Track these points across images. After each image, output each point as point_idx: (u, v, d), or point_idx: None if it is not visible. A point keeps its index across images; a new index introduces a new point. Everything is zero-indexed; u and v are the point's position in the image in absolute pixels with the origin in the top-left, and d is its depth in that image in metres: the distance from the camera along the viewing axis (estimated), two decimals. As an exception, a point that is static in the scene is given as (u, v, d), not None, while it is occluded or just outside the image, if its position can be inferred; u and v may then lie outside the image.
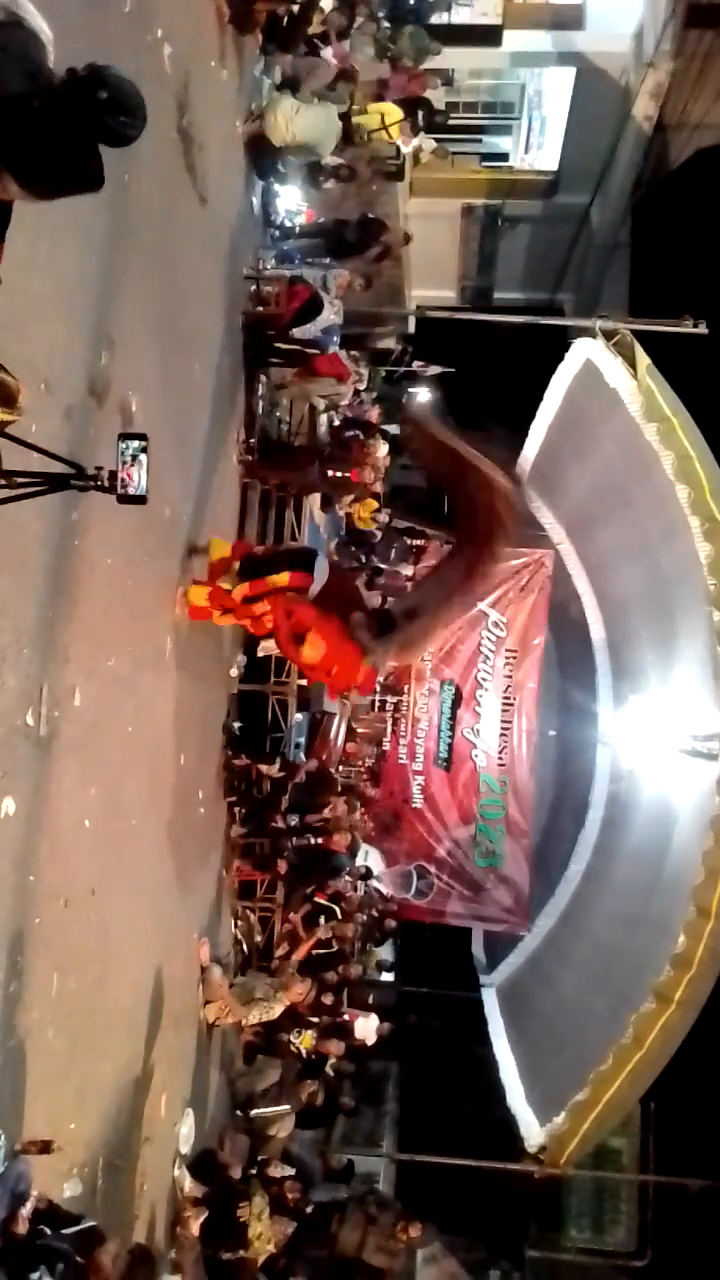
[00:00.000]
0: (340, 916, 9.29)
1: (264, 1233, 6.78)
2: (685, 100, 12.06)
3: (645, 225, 13.46)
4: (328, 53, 9.59)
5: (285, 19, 8.27)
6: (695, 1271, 11.82)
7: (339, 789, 9.96)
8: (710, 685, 9.11)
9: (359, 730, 12.14)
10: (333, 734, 10.52)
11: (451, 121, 12.30)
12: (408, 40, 10.69)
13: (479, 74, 13.66)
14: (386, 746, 12.90)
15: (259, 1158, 7.73)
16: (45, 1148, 4.28)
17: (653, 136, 12.48)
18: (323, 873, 9.14)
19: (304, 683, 9.51)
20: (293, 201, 9.39)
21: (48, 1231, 4.03)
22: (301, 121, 8.52)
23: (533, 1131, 9.54)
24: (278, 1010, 7.73)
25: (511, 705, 12.53)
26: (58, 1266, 3.89)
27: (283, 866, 8.52)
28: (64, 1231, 4.10)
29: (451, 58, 11.79)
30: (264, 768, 8.43)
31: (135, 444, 3.39)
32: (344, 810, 9.68)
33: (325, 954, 9.25)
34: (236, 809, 8.34)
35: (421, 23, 11.14)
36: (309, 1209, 7.86)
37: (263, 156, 8.59)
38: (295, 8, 8.22)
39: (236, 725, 8.51)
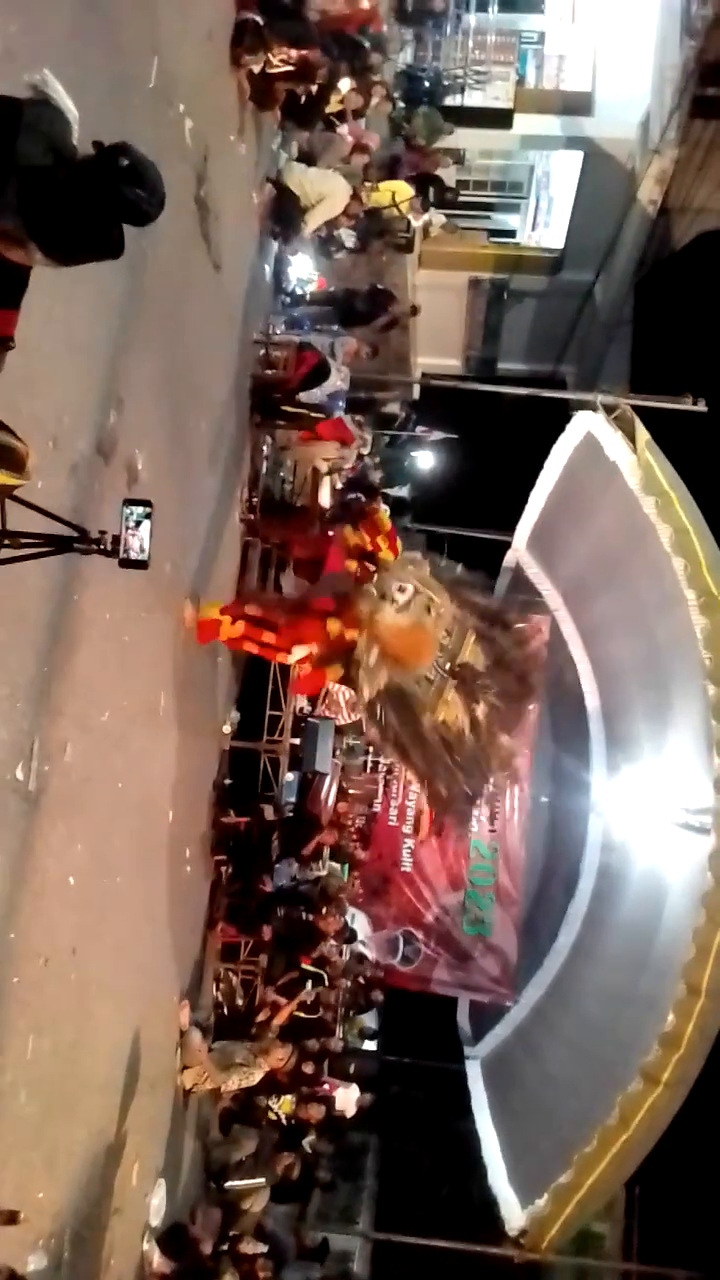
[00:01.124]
0: (326, 983, 9.15)
1: (233, 1312, 6.57)
2: (689, 185, 12.43)
3: (648, 304, 13.77)
4: (344, 130, 9.90)
5: (304, 97, 8.55)
6: None
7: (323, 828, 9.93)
8: (704, 759, 9.09)
9: (350, 791, 12.06)
10: (324, 793, 10.44)
11: (462, 198, 12.70)
12: (421, 120, 11.07)
13: (489, 154, 14.08)
14: (377, 809, 12.81)
15: (231, 1232, 7.50)
16: (11, 1218, 4.17)
17: (656, 219, 12.83)
18: (309, 944, 9.04)
19: (296, 741, 9.49)
20: (304, 270, 9.62)
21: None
22: (314, 180, 8.97)
23: (514, 1213, 9.27)
24: (257, 1076, 7.58)
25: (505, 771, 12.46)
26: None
27: (268, 933, 8.41)
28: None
29: (463, 138, 12.19)
30: (263, 807, 8.48)
31: (139, 510, 3.42)
32: (332, 842, 9.73)
33: (307, 1020, 9.09)
34: (224, 868, 8.25)
35: (435, 104, 11.53)
36: (281, 1289, 7.62)
37: (282, 212, 8.81)
38: (314, 88, 8.50)
39: (227, 782, 8.46)
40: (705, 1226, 11.06)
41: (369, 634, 6.32)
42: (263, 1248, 7.56)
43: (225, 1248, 7.25)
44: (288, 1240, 8.47)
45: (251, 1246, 7.47)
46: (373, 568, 6.77)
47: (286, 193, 8.76)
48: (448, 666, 6.46)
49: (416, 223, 11.17)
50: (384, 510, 10.90)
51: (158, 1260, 6.40)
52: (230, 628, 6.88)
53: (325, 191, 9.11)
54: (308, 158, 9.58)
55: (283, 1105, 8.44)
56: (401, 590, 6.24)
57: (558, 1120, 9.55)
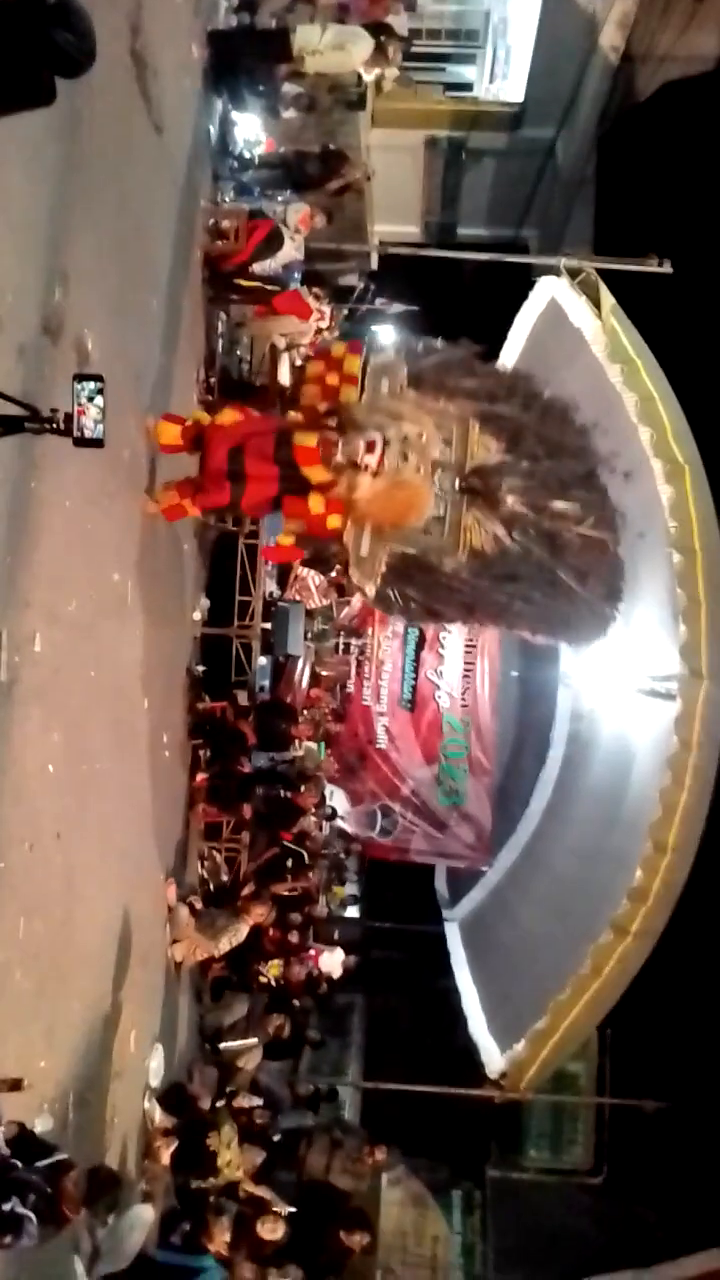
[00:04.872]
0: (307, 860, 9.44)
1: (233, 1160, 6.99)
2: (653, 30, 11.79)
3: (611, 160, 13.23)
4: (287, -27, 9.27)
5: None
6: (649, 1188, 12.38)
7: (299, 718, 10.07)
8: (670, 627, 9.22)
9: (323, 673, 12.19)
10: (297, 676, 10.56)
11: (414, 49, 11.97)
12: (369, -39, 10.33)
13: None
14: (350, 689, 12.98)
15: (227, 1089, 7.93)
16: (15, 1085, 4.36)
17: (619, 68, 12.20)
18: (288, 820, 9.27)
19: (267, 626, 9.52)
20: (252, 131, 9.14)
21: (19, 1164, 4.13)
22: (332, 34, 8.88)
23: (493, 1058, 9.84)
24: (244, 931, 7.83)
25: (474, 647, 12.64)
26: (29, 1197, 3.99)
27: (248, 811, 8.61)
28: (36, 1164, 4.20)
29: (415, -19, 11.42)
30: (236, 694, 8.51)
31: (91, 385, 3.33)
32: (309, 732, 9.83)
33: (292, 895, 9.41)
34: (202, 752, 8.38)
35: (384, -56, 10.74)
36: (277, 1137, 8.10)
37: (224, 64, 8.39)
38: None
39: (200, 669, 8.51)
40: (671, 1062, 11.81)
41: (352, 517, 5.75)
42: (258, 1101, 8.01)
43: (222, 1103, 7.67)
44: (282, 1092, 8.96)
45: (248, 1100, 7.91)
46: (333, 428, 5.82)
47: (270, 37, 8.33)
48: (457, 485, 5.80)
49: (368, 77, 10.57)
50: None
51: (159, 1116, 6.77)
52: (193, 505, 6.49)
53: (344, 40, 8.75)
54: (249, 5, 8.99)
55: (271, 969, 8.79)
56: (370, 448, 5.54)
57: (533, 972, 10.04)
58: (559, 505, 5.81)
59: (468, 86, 14.16)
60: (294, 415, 6.17)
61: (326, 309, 10.90)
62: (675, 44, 12.00)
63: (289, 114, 9.53)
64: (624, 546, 6.27)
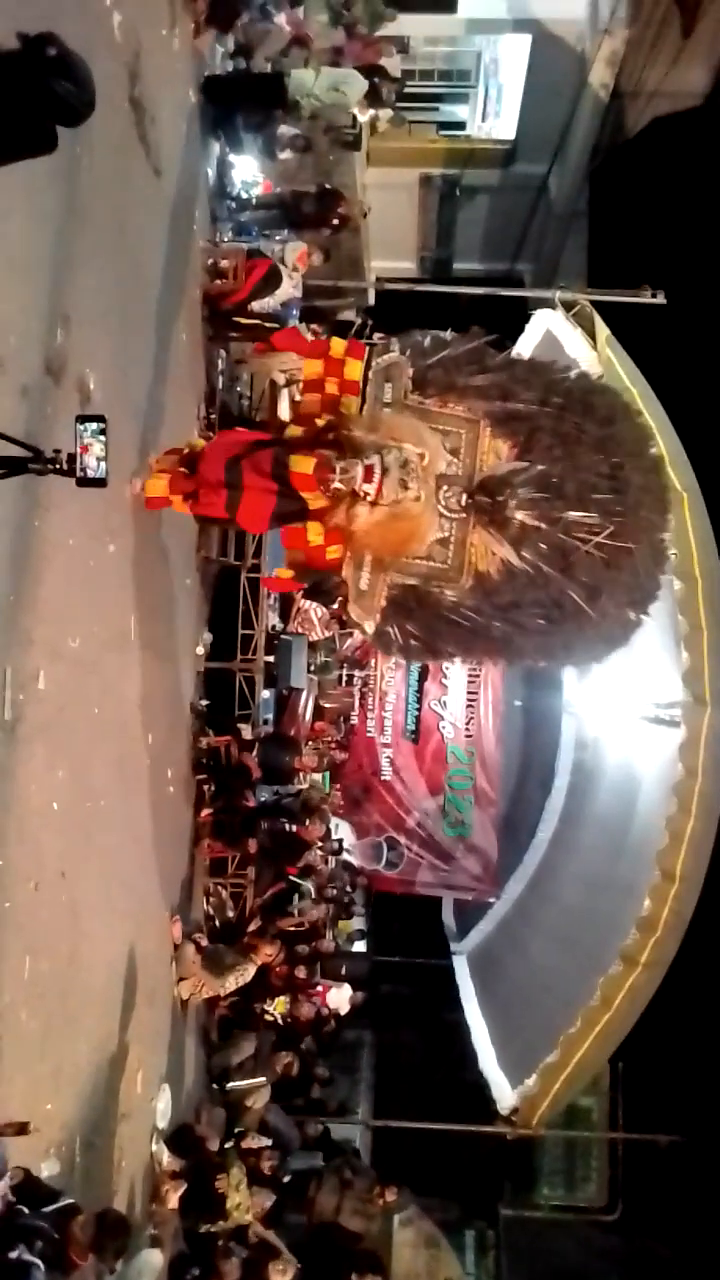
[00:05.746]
0: (313, 892, 9.38)
1: (242, 1203, 6.89)
2: (641, 68, 12.01)
3: (603, 194, 13.42)
4: (281, 19, 9.46)
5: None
6: (664, 1224, 12.17)
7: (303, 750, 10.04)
8: (672, 653, 9.21)
9: (326, 705, 12.17)
10: (300, 709, 10.54)
11: (408, 90, 12.18)
12: (362, 6, 10.56)
13: (435, 41, 13.49)
14: (354, 721, 12.95)
15: (236, 1129, 7.83)
16: (21, 1129, 4.31)
17: (609, 104, 12.41)
18: (294, 854, 9.22)
19: (270, 659, 9.53)
20: (248, 172, 9.28)
21: (26, 1211, 4.08)
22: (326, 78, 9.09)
23: (504, 1094, 9.72)
24: (252, 971, 7.75)
25: (478, 677, 12.62)
26: (36, 1244, 3.94)
27: (253, 846, 8.57)
28: (43, 1210, 4.15)
29: (407, 25, 11.66)
30: (240, 728, 8.47)
31: (93, 426, 3.37)
32: (313, 764, 9.77)
33: (298, 930, 9.35)
34: (206, 787, 8.36)
35: (376, -11, 10.98)
36: (286, 1178, 7.99)
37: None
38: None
39: (204, 703, 8.51)
40: (684, 1095, 11.65)
41: (351, 548, 5.46)
42: (267, 1141, 7.90)
43: (231, 1144, 7.56)
44: (291, 1133, 8.84)
45: (256, 1141, 7.81)
46: (329, 449, 5.43)
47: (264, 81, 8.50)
48: (463, 501, 5.43)
49: (363, 117, 10.75)
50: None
51: (167, 1159, 6.68)
52: (181, 505, 6.18)
53: (338, 83, 8.96)
54: (245, 50, 9.16)
55: (278, 1006, 8.71)
56: (369, 475, 5.18)
57: (542, 1005, 9.93)
58: (574, 515, 5.43)
59: (461, 125, 14.38)
60: (292, 429, 5.95)
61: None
62: (664, 80, 12.21)
63: (285, 155, 9.69)
64: (660, 537, 5.76)
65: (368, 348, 5.69)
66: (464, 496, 5.48)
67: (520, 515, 5.35)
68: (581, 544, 5.40)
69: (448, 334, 5.88)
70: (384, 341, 5.78)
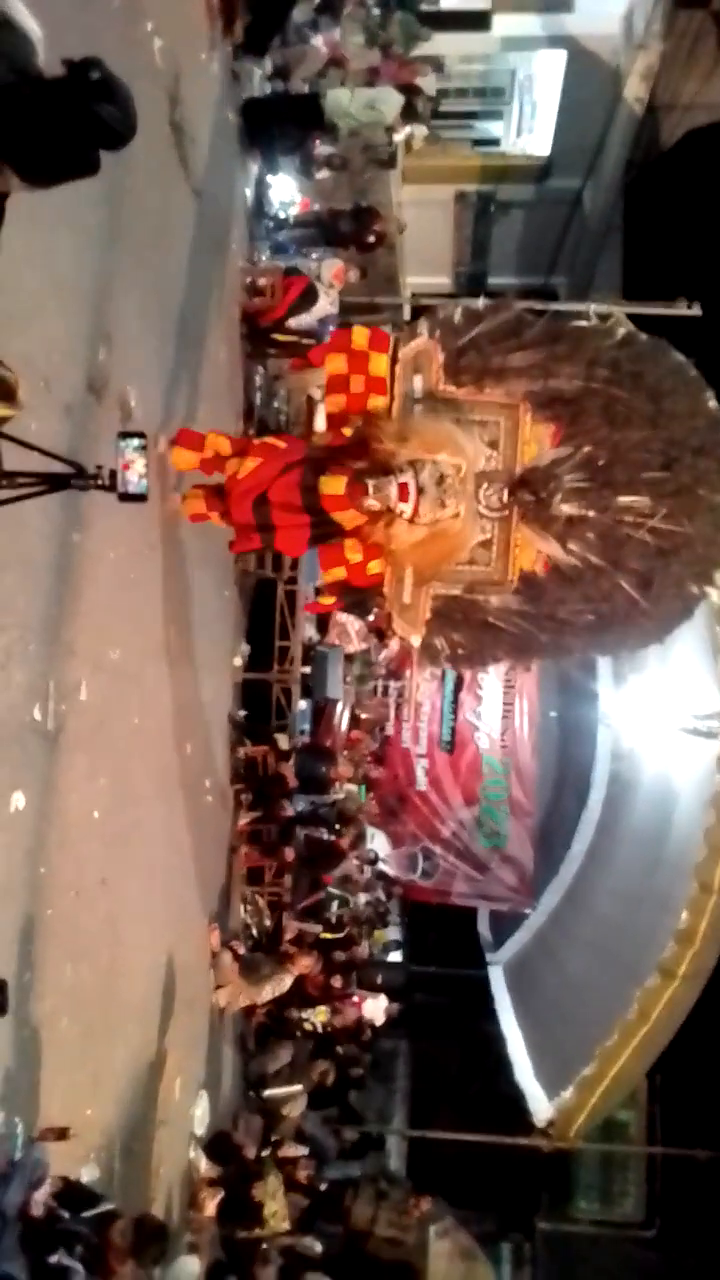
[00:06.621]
0: (349, 902, 9.42)
1: (279, 1211, 6.93)
2: (676, 81, 12.00)
3: (638, 207, 13.42)
4: (317, 40, 9.60)
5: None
6: (703, 1241, 12.00)
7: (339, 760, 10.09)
8: (709, 664, 9.19)
9: (362, 716, 12.23)
10: (336, 720, 10.62)
11: (443, 108, 12.28)
12: (398, 27, 10.68)
13: (469, 59, 13.57)
14: (390, 731, 13.00)
15: (273, 1137, 7.88)
16: (62, 1134, 4.38)
17: (644, 118, 12.42)
18: (330, 863, 9.28)
19: (307, 670, 9.61)
20: (286, 192, 9.41)
21: (66, 1215, 4.14)
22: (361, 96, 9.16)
23: (541, 1106, 9.68)
24: (288, 981, 7.82)
25: (513, 687, 12.62)
26: (76, 1248, 4.00)
27: (290, 854, 8.63)
28: (83, 1214, 4.21)
29: (441, 44, 11.74)
30: (277, 738, 8.54)
31: (135, 442, 3.45)
32: (349, 773, 9.78)
33: (334, 938, 9.39)
34: (243, 796, 8.45)
35: (411, 9, 11.10)
36: (323, 1186, 8.02)
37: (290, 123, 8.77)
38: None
39: (241, 714, 8.61)
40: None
41: (392, 565, 5.19)
42: (303, 1150, 7.95)
43: (268, 1152, 7.61)
44: (328, 1142, 8.87)
45: (293, 1150, 7.85)
46: (359, 460, 5.06)
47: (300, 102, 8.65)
48: (505, 497, 5.08)
49: (399, 135, 10.87)
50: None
51: (205, 1166, 6.74)
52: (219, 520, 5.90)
53: (374, 101, 9.16)
54: (282, 72, 9.31)
55: (319, 1015, 8.75)
56: (404, 494, 4.83)
57: (579, 1017, 9.89)
58: (623, 501, 5.04)
59: (495, 141, 14.45)
60: (317, 440, 5.66)
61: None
62: (699, 92, 12.20)
63: (322, 174, 9.82)
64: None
65: (393, 338, 5.25)
66: (505, 493, 5.12)
67: (566, 508, 5.01)
68: (633, 531, 5.03)
69: (480, 303, 5.39)
70: (410, 328, 5.28)
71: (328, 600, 6.02)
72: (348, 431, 5.27)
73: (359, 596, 5.81)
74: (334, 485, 5.13)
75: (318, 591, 6.44)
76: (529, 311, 5.30)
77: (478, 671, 12.40)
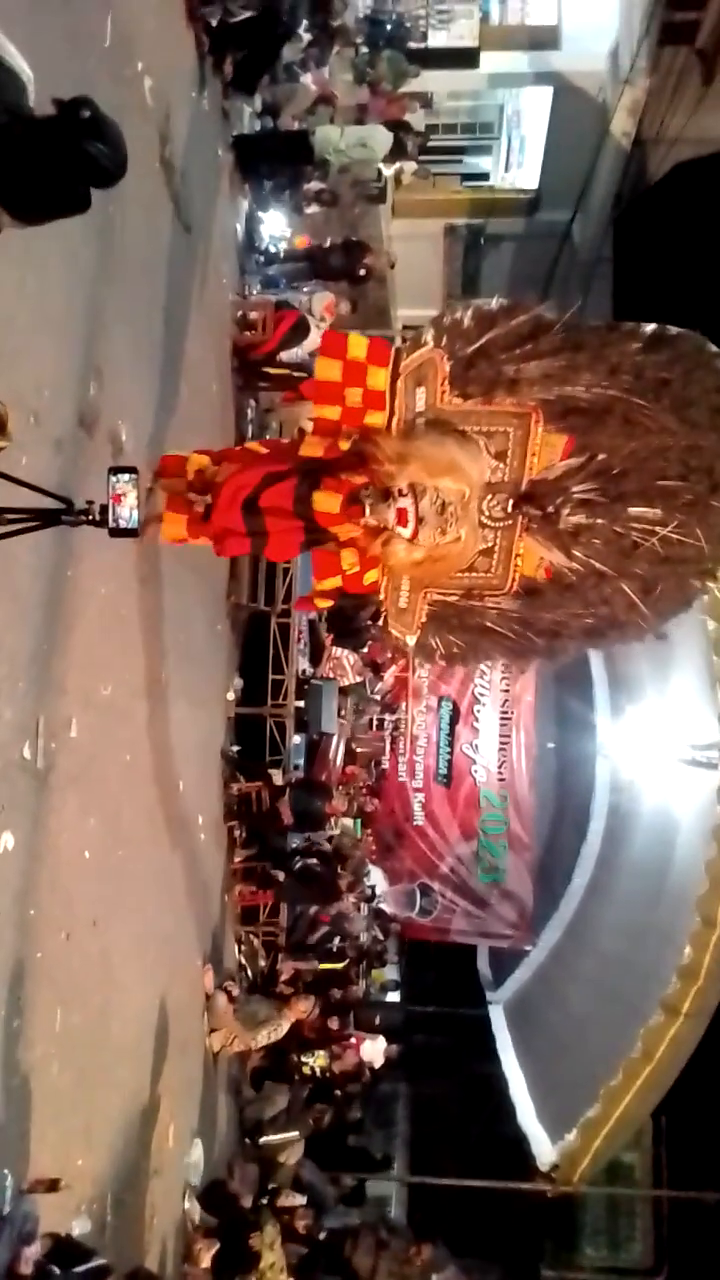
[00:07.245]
0: (346, 939, 9.27)
1: (276, 1262, 6.73)
2: (662, 115, 12.18)
3: (626, 240, 13.58)
4: (307, 78, 9.70)
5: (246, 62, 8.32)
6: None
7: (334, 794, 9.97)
8: (708, 695, 9.13)
9: (358, 750, 12.13)
10: (331, 754, 10.51)
11: (432, 143, 12.42)
12: (386, 64, 10.82)
13: (458, 95, 13.79)
14: (385, 765, 12.89)
15: (269, 1185, 7.68)
16: (53, 1186, 4.25)
17: (631, 152, 12.60)
18: (322, 892, 9.14)
19: (301, 704, 9.52)
20: (277, 227, 9.47)
21: (57, 1271, 4.00)
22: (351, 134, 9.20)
23: (544, 1149, 9.49)
24: (285, 1027, 7.67)
25: (509, 719, 12.54)
26: (67, 1304, 3.86)
27: (281, 876, 8.50)
28: (74, 1270, 4.07)
29: (430, 80, 11.91)
30: (271, 773, 8.44)
31: (125, 477, 3.40)
32: (343, 808, 9.67)
33: (330, 974, 9.23)
34: (237, 833, 8.33)
35: (398, 47, 11.26)
36: (321, 1235, 7.81)
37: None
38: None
39: (235, 749, 8.51)
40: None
41: (388, 576, 5.00)
42: (301, 1199, 7.74)
43: (265, 1201, 7.42)
44: (326, 1190, 8.66)
45: (290, 1199, 7.65)
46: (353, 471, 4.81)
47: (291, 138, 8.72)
48: (509, 508, 4.81)
49: (388, 171, 10.97)
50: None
51: (199, 1216, 6.55)
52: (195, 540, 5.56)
53: (364, 138, 9.25)
54: (272, 110, 9.40)
55: (317, 1060, 8.58)
56: (402, 520, 4.60)
57: (582, 1056, 9.72)
58: (635, 510, 4.79)
59: (484, 176, 14.66)
60: (307, 448, 5.20)
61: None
62: (685, 126, 12.38)
63: (312, 209, 9.89)
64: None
65: (393, 350, 4.87)
66: (510, 504, 4.84)
67: (574, 520, 4.76)
68: (642, 540, 4.77)
69: (494, 303, 4.91)
70: (414, 334, 4.85)
71: (323, 604, 5.91)
72: (344, 445, 4.97)
73: (353, 600, 5.66)
74: (329, 503, 4.90)
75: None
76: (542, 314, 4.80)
77: (468, 701, 12.33)
